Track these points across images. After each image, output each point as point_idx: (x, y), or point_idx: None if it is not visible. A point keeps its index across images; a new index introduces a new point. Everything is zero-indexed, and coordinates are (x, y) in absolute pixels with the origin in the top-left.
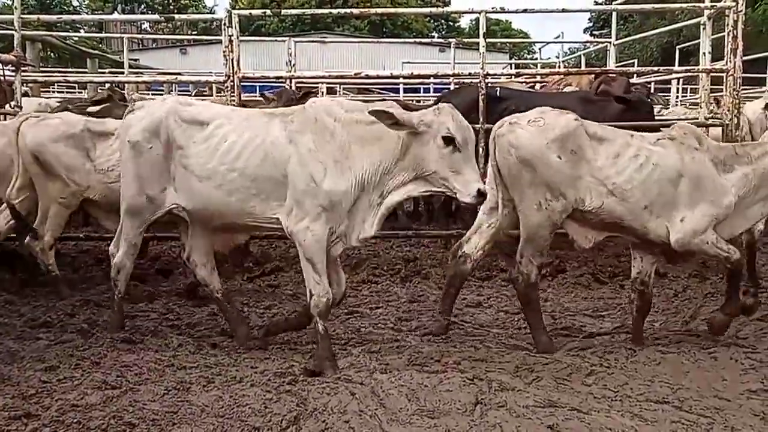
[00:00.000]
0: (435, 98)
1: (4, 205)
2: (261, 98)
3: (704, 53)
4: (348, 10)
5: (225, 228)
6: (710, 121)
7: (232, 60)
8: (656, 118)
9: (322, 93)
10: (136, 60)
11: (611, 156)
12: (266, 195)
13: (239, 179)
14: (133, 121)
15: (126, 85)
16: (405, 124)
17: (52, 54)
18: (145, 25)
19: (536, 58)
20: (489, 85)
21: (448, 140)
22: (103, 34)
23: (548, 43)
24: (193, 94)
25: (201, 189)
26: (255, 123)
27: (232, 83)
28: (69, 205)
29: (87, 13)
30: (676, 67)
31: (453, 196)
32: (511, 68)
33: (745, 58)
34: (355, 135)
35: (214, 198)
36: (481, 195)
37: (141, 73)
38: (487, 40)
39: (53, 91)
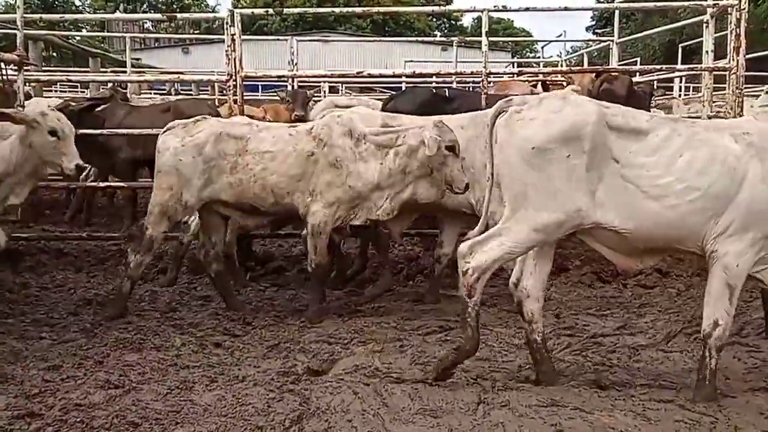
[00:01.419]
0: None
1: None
2: (263, 97)
3: (707, 51)
4: (350, 9)
5: (640, 250)
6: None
7: (235, 59)
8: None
9: (325, 92)
10: (138, 59)
11: None
12: (717, 217)
13: (701, 199)
14: (534, 126)
15: (128, 84)
16: None
17: (54, 53)
18: (148, 25)
19: (538, 57)
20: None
21: None
22: (105, 34)
23: (551, 41)
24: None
25: (650, 208)
26: (709, 136)
27: (234, 82)
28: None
29: (89, 13)
30: (679, 66)
31: None
32: (513, 67)
33: (747, 56)
34: None
35: (664, 218)
36: None
37: (143, 72)
38: (490, 38)
39: (56, 91)
